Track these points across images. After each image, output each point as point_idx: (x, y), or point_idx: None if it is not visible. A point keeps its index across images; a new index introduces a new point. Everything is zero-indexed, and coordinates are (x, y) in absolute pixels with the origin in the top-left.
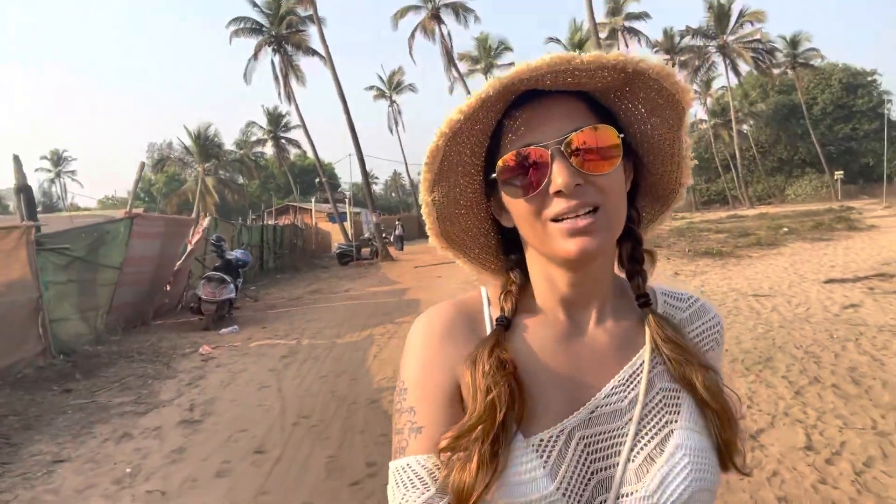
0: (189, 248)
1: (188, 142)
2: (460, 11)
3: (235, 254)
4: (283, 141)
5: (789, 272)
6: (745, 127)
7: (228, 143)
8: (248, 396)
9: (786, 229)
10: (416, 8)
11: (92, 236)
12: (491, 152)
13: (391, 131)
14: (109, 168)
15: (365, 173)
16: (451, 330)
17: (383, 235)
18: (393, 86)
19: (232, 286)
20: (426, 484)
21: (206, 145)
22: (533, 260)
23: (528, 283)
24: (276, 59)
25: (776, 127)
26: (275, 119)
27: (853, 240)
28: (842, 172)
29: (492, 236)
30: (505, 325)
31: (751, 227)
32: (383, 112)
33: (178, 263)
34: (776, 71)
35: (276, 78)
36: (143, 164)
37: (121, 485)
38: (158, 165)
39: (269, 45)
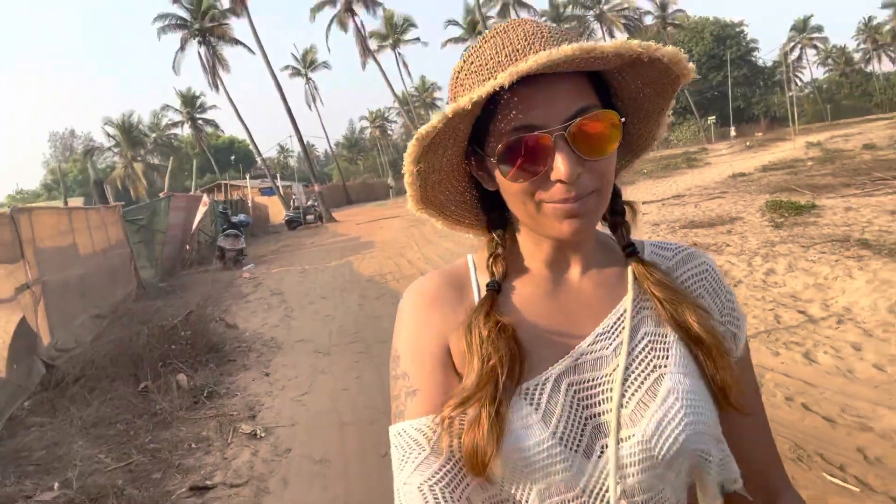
0: (198, 218)
1: (112, 130)
2: (370, 4)
3: (240, 217)
4: (199, 122)
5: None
6: None
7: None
8: (297, 286)
9: (644, 170)
10: (331, 2)
11: (150, 210)
12: (481, 119)
13: (309, 107)
14: (8, 163)
15: (306, 152)
16: (439, 297)
17: (313, 204)
18: (307, 64)
19: (243, 238)
20: (422, 446)
21: (131, 133)
22: (518, 224)
23: (511, 242)
24: (203, 50)
25: None
26: (190, 101)
27: (686, 175)
28: (714, 117)
29: (467, 195)
30: (496, 289)
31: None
32: (299, 89)
33: (193, 229)
34: (648, 34)
35: (204, 68)
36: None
37: (266, 313)
38: (87, 156)
39: (193, 38)
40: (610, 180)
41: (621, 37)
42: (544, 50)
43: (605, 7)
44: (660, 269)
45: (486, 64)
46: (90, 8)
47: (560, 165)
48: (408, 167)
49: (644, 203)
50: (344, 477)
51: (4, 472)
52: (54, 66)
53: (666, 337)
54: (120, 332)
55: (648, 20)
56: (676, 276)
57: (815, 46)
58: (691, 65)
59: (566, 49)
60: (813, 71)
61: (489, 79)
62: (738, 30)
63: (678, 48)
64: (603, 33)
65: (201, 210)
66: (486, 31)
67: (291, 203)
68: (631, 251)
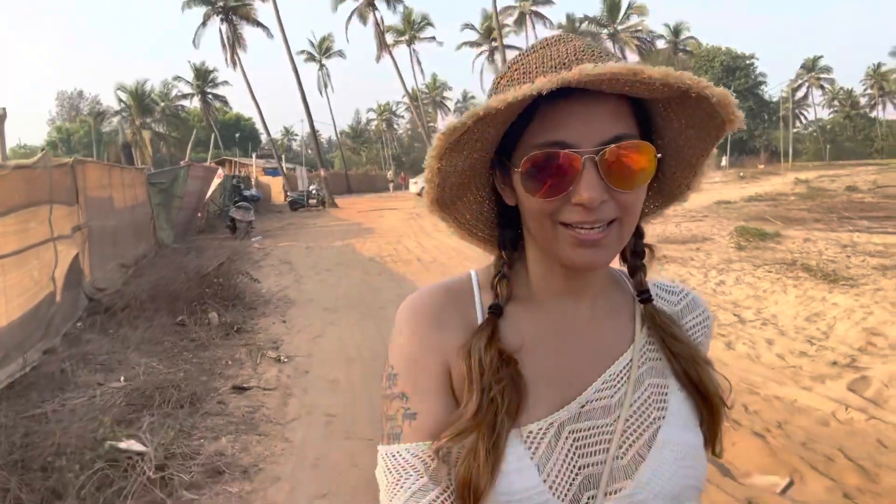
0: (212, 188)
1: (123, 96)
2: (391, 0)
3: (252, 192)
4: (209, 96)
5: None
6: None
7: None
8: (303, 259)
9: None
10: None
11: (171, 175)
12: (513, 129)
13: (320, 93)
14: (13, 116)
15: (316, 138)
16: (441, 315)
17: (315, 190)
18: (323, 51)
19: (253, 211)
20: (419, 472)
21: (143, 100)
22: (532, 247)
23: (520, 265)
24: (224, 27)
25: None
26: (203, 74)
27: None
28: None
29: (486, 206)
30: (498, 314)
31: None
32: (311, 75)
33: (206, 198)
34: (659, 58)
35: (223, 45)
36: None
37: (278, 277)
38: (98, 118)
39: (217, 15)
40: (634, 215)
41: (633, 58)
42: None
43: (620, 27)
44: (673, 320)
45: (530, 73)
46: None
47: (584, 190)
48: (430, 163)
49: None
50: (350, 391)
51: (76, 367)
52: (67, 25)
53: (666, 388)
54: (147, 279)
55: (661, 44)
56: (682, 323)
57: (822, 87)
58: (740, 112)
59: (613, 66)
60: (818, 111)
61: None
62: (748, 62)
63: (729, 91)
64: (615, 52)
65: (216, 182)
66: (534, 42)
67: (284, 186)
68: (645, 298)
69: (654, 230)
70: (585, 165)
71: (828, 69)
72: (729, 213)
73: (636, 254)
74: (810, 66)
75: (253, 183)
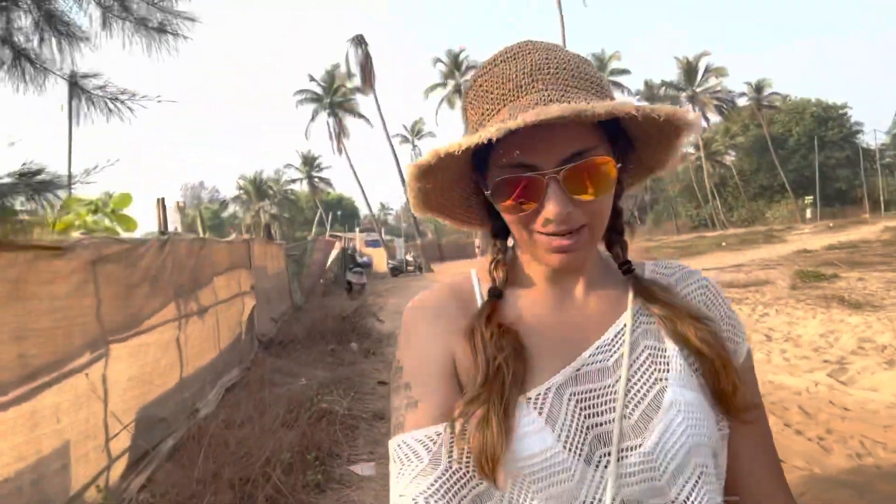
0: (331, 258)
1: (242, 182)
2: None
3: (365, 259)
4: (315, 180)
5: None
6: (727, 158)
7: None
8: None
9: (724, 244)
10: (443, 85)
11: (302, 248)
12: (483, 145)
13: None
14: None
15: (413, 215)
16: (442, 308)
17: (413, 257)
18: (415, 133)
19: (366, 276)
20: (420, 457)
21: (260, 187)
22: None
23: (514, 251)
24: (331, 120)
25: (756, 157)
26: (310, 161)
27: (759, 249)
28: (811, 198)
29: (473, 199)
30: (497, 295)
31: (699, 244)
32: (405, 154)
33: (327, 266)
34: (742, 115)
35: (330, 135)
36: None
37: (392, 322)
38: (222, 206)
39: (324, 110)
40: (602, 219)
41: (714, 119)
42: (545, 90)
43: (698, 89)
44: (658, 285)
45: (490, 93)
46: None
47: (549, 205)
48: (410, 183)
49: (705, 269)
50: None
51: (275, 374)
52: (186, 128)
53: (665, 351)
54: (301, 324)
55: (743, 101)
56: (678, 291)
57: None
58: (693, 118)
59: (555, 110)
60: None
61: (489, 111)
62: (840, 111)
63: (676, 107)
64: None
65: (334, 252)
66: (497, 52)
67: (396, 254)
68: (627, 269)
69: (722, 278)
70: (549, 184)
71: None
72: (804, 260)
73: (614, 230)
74: None
75: (359, 254)
